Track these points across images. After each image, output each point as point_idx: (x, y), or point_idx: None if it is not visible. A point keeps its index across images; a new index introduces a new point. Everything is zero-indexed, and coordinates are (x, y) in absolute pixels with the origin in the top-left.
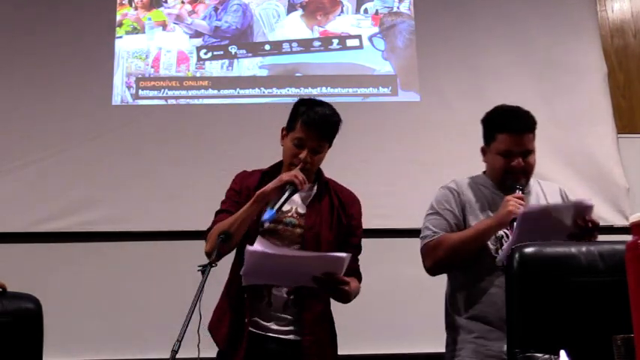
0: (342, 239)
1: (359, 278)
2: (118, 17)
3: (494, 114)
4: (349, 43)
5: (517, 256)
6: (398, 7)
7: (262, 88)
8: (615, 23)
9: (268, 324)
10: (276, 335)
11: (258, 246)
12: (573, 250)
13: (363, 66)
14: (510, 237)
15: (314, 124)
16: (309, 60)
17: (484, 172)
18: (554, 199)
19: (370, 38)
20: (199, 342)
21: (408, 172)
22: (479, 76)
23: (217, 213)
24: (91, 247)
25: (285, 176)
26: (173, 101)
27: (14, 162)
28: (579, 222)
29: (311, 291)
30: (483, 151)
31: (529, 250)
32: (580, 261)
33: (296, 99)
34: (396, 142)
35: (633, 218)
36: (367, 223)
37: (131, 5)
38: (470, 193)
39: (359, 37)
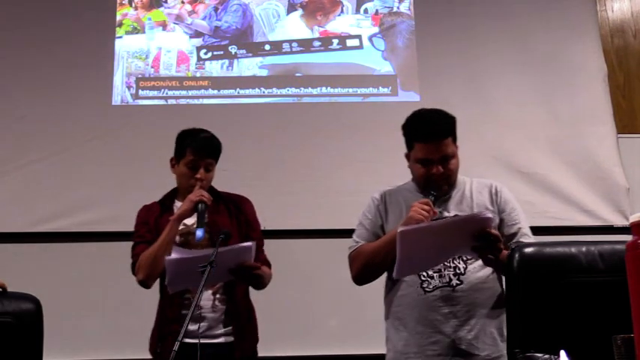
0: (244, 234)
1: (269, 266)
2: (118, 17)
3: (410, 122)
4: (349, 43)
5: (517, 256)
6: (398, 7)
7: (262, 88)
8: (615, 23)
9: (202, 331)
10: (210, 340)
11: (174, 254)
12: (573, 250)
13: (363, 66)
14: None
15: (203, 146)
16: (309, 60)
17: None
18: (482, 198)
19: (370, 38)
20: (199, 342)
21: (407, 172)
22: (479, 76)
23: (135, 246)
24: (91, 247)
25: (193, 197)
26: (173, 101)
27: (14, 162)
28: (476, 235)
29: (234, 287)
30: (407, 156)
31: (529, 250)
32: (580, 261)
33: (296, 99)
34: (395, 142)
35: (633, 218)
36: None
37: (131, 5)
38: (394, 199)
39: (359, 37)
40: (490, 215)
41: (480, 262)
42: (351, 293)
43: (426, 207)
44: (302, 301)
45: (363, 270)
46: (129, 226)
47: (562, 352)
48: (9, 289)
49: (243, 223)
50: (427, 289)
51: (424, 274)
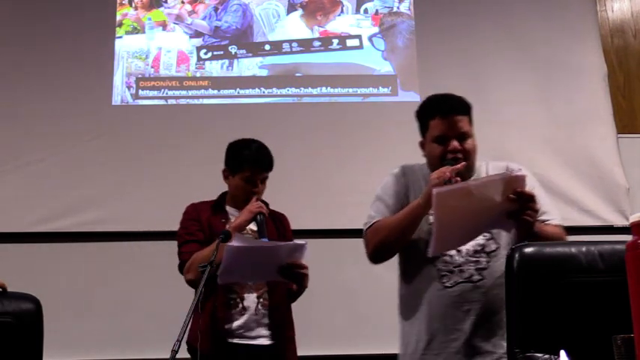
0: None
1: None
2: (118, 17)
3: (425, 103)
4: (349, 43)
5: (517, 256)
6: (398, 7)
7: (262, 88)
8: (615, 23)
9: (244, 331)
10: (251, 342)
11: (235, 242)
12: (573, 250)
13: (363, 66)
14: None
15: (261, 162)
16: (309, 60)
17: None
18: None
19: (370, 38)
20: (199, 341)
21: None
22: (479, 76)
23: (184, 243)
24: (91, 247)
25: (252, 208)
26: (173, 101)
27: (14, 162)
28: (511, 196)
29: (277, 293)
30: (421, 145)
31: (529, 250)
32: (580, 261)
33: (296, 99)
34: (396, 141)
35: (633, 218)
36: None
37: (131, 5)
38: (414, 175)
39: (359, 37)
40: (525, 173)
41: (502, 255)
42: (351, 293)
43: (445, 170)
44: (301, 301)
45: (380, 246)
46: (129, 226)
47: (562, 352)
48: (9, 289)
49: (286, 238)
50: (447, 285)
51: (443, 268)
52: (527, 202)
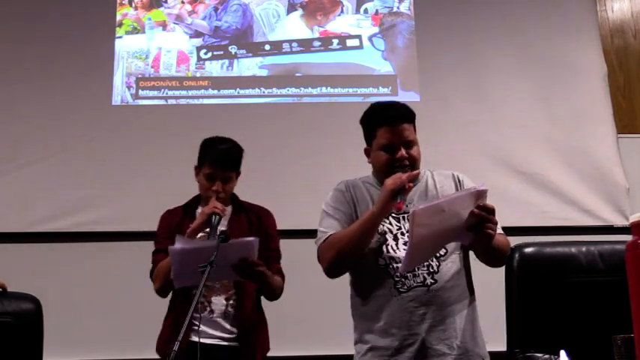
0: (263, 245)
1: (282, 278)
2: (118, 17)
3: (370, 111)
4: (349, 43)
5: (517, 256)
6: (398, 7)
7: (262, 88)
8: (615, 23)
9: (212, 333)
10: (220, 343)
11: (178, 244)
12: (573, 250)
13: (363, 66)
14: (408, 241)
15: (219, 160)
16: (309, 60)
17: (373, 174)
18: (446, 186)
19: (370, 38)
20: (199, 341)
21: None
22: (479, 76)
23: (154, 253)
24: (91, 247)
25: (207, 210)
26: (173, 101)
27: (14, 162)
28: (475, 210)
29: (246, 296)
30: (367, 152)
31: (529, 250)
32: (580, 261)
33: (296, 99)
34: None
35: (633, 218)
36: None
37: (131, 5)
38: (359, 191)
39: (359, 37)
40: (486, 188)
41: (451, 258)
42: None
43: (400, 177)
44: (301, 302)
45: (336, 259)
46: (129, 226)
47: (562, 352)
48: (9, 289)
49: (263, 234)
50: (401, 290)
51: (397, 274)
52: (489, 214)
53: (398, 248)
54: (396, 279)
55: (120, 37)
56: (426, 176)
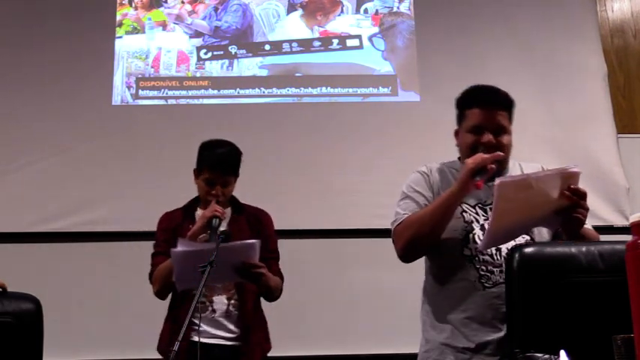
0: (261, 247)
1: (281, 279)
2: (118, 17)
3: (467, 92)
4: (349, 43)
5: (517, 256)
6: (398, 7)
7: (262, 88)
8: (615, 23)
9: (213, 332)
10: (222, 342)
11: (180, 247)
12: (573, 250)
13: (363, 66)
14: (490, 217)
15: (218, 165)
16: (309, 60)
17: (458, 158)
18: None
19: (370, 38)
20: (199, 341)
21: (407, 172)
22: (479, 76)
23: (153, 255)
24: (91, 247)
25: (207, 213)
26: (173, 101)
27: (14, 162)
28: (565, 192)
29: (247, 295)
30: (456, 134)
31: (529, 250)
32: (580, 261)
33: (296, 99)
34: (395, 142)
35: (633, 218)
36: (367, 223)
37: (131, 5)
38: (441, 175)
39: (359, 37)
40: (578, 170)
41: None
42: (351, 293)
43: (482, 155)
44: (301, 302)
45: (412, 241)
46: (129, 226)
47: (562, 352)
48: (9, 289)
49: (262, 235)
50: (487, 285)
51: (483, 267)
52: (580, 199)
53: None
54: (482, 272)
55: (120, 37)
56: (514, 167)
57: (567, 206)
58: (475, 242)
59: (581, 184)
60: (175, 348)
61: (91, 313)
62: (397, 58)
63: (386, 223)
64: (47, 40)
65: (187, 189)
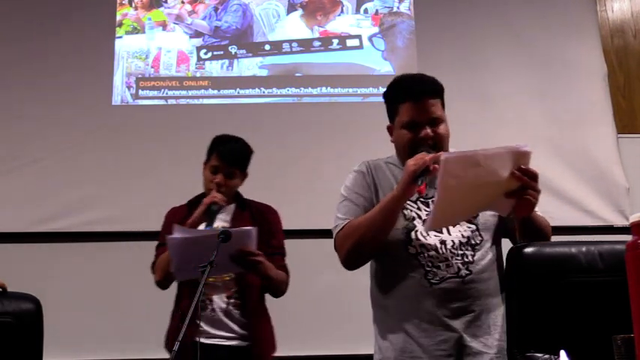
0: (266, 242)
1: (286, 273)
2: (118, 17)
3: (393, 85)
4: (349, 43)
5: (517, 256)
6: (398, 7)
7: (262, 88)
8: (615, 23)
9: (215, 332)
10: (223, 342)
11: (175, 234)
12: (573, 250)
13: (363, 66)
14: (434, 199)
15: (226, 154)
16: (309, 60)
17: (396, 153)
18: None
19: (370, 38)
20: (199, 341)
21: None
22: (479, 76)
23: (157, 247)
24: (91, 247)
25: (206, 200)
26: (173, 101)
27: (14, 162)
28: (515, 172)
29: (248, 294)
30: (389, 130)
31: (529, 250)
32: (580, 261)
33: (296, 99)
34: None
35: (633, 218)
36: None
37: (131, 5)
38: (381, 172)
39: (359, 37)
40: (530, 150)
41: (485, 247)
42: (351, 293)
43: (422, 155)
44: (301, 302)
45: (355, 248)
46: (129, 226)
47: (562, 352)
48: (9, 289)
49: (266, 231)
50: (433, 281)
51: (429, 263)
52: (531, 179)
53: (429, 235)
54: (427, 269)
55: (120, 37)
56: None
57: (517, 188)
58: (418, 239)
59: (582, 184)
60: (175, 348)
61: (91, 313)
62: (397, 58)
63: None
64: (47, 40)
65: (187, 188)
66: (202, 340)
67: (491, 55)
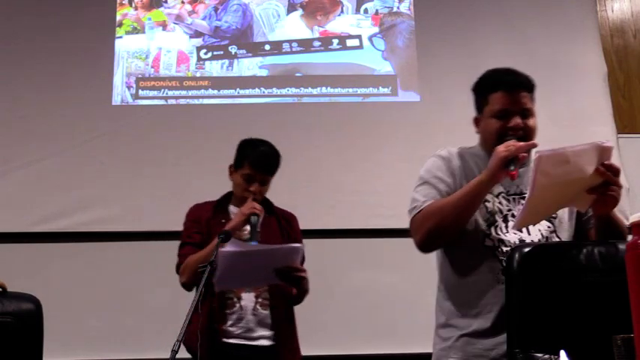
0: None
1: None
2: (118, 17)
3: (486, 75)
4: (349, 43)
5: (517, 256)
6: (398, 7)
7: (262, 88)
8: (615, 23)
9: (242, 332)
10: (249, 342)
11: (229, 247)
12: (573, 250)
13: (363, 66)
14: (525, 198)
15: (261, 162)
16: (309, 60)
17: (479, 144)
18: None
19: (370, 38)
20: (199, 341)
21: (408, 172)
22: (479, 75)
23: (182, 245)
24: (91, 247)
25: (245, 210)
26: (173, 101)
27: (14, 162)
28: (600, 168)
29: (277, 293)
30: (476, 121)
31: (529, 250)
32: (580, 261)
33: (296, 99)
34: (396, 142)
35: (633, 218)
36: (367, 223)
37: (131, 5)
38: (464, 161)
39: (359, 37)
40: (612, 145)
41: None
42: (354, 293)
43: (513, 142)
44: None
45: (435, 231)
46: (129, 226)
47: (562, 352)
48: (9, 289)
49: (293, 240)
50: None
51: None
52: (614, 175)
53: (507, 231)
54: (504, 264)
55: (120, 37)
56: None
57: (600, 183)
58: (497, 234)
59: None
60: (175, 348)
61: (90, 313)
62: (397, 58)
63: (385, 223)
64: (47, 40)
65: (188, 188)
66: (229, 340)
67: (491, 55)
